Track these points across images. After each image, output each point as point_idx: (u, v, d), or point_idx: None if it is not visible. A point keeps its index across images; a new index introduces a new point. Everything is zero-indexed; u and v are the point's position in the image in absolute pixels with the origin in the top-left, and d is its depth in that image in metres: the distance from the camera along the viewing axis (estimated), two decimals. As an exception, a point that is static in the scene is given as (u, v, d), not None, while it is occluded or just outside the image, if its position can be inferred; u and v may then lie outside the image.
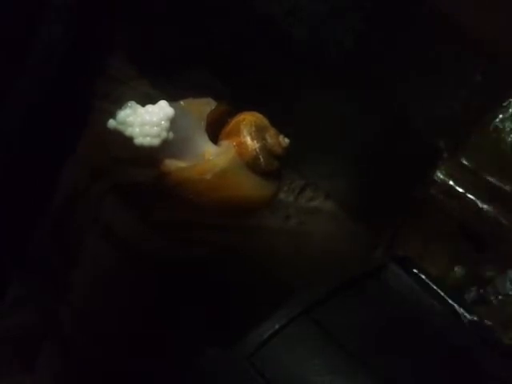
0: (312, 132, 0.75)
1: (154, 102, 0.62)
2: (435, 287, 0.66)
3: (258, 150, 0.64)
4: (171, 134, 0.61)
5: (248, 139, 0.64)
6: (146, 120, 0.60)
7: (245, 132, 0.64)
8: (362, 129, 0.74)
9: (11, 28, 0.50)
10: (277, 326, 0.59)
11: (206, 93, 0.68)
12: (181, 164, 0.62)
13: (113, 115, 0.61)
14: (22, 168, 0.53)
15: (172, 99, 0.63)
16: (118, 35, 0.72)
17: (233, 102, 0.68)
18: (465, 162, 0.68)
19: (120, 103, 0.61)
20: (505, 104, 0.68)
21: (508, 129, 0.67)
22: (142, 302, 0.74)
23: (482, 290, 0.66)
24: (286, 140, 0.65)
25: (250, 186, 0.64)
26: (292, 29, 0.76)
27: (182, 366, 0.70)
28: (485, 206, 0.66)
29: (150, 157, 0.62)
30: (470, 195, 0.66)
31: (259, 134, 0.64)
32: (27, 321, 0.85)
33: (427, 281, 0.66)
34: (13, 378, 0.85)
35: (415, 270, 0.66)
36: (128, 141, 0.61)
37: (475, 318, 0.65)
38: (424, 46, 0.72)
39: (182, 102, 0.64)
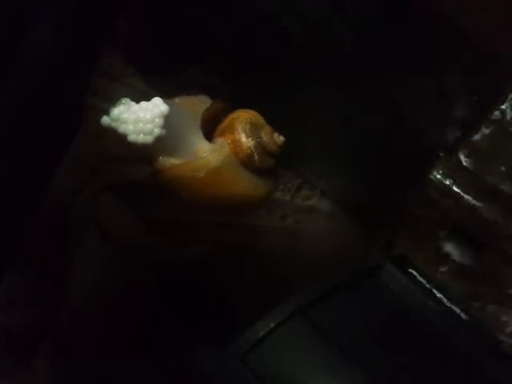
0: (309, 131, 0.75)
1: (149, 99, 0.62)
2: (431, 287, 0.65)
3: (252, 147, 0.64)
4: (165, 131, 0.61)
5: (242, 136, 0.64)
6: (139, 117, 0.60)
7: (239, 129, 0.64)
8: (359, 128, 0.74)
9: (2, 30, 0.50)
10: (272, 326, 0.59)
11: (203, 91, 0.68)
12: (175, 161, 0.62)
13: (107, 112, 0.61)
14: (13, 168, 0.53)
15: (167, 97, 0.63)
16: (114, 33, 0.72)
17: (231, 100, 0.68)
18: (462, 162, 0.67)
19: (115, 101, 0.61)
20: (504, 104, 0.68)
21: (506, 129, 0.67)
22: (139, 302, 0.74)
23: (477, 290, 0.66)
24: (281, 138, 0.65)
25: (245, 184, 0.64)
26: (292, 27, 0.76)
27: (176, 366, 0.70)
28: (481, 206, 0.65)
29: (144, 154, 0.62)
30: (466, 195, 0.66)
31: (254, 131, 0.64)
32: (26, 321, 0.85)
33: (423, 280, 0.66)
34: (12, 377, 0.85)
35: (411, 270, 0.66)
36: (122, 138, 0.61)
37: (471, 318, 0.65)
38: (424, 45, 0.71)
39: (176, 100, 0.64)
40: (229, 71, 0.77)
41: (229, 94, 0.69)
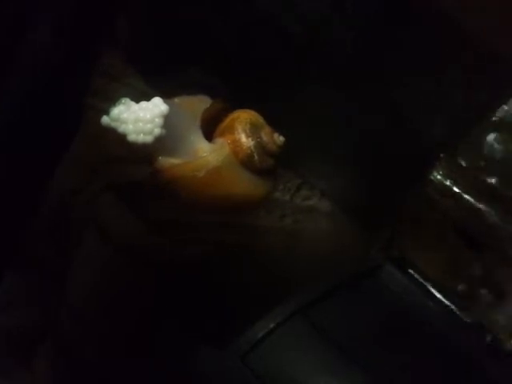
0: (309, 131, 0.75)
1: (149, 99, 0.62)
2: (431, 287, 0.65)
3: (252, 147, 0.64)
4: (164, 131, 0.61)
5: (242, 136, 0.64)
6: (139, 117, 0.60)
7: (239, 129, 0.64)
8: (359, 128, 0.74)
9: (2, 30, 0.50)
10: (272, 326, 0.59)
11: (203, 91, 0.68)
12: (174, 161, 0.62)
13: (107, 112, 0.61)
14: (13, 168, 0.53)
15: (167, 97, 0.63)
16: (114, 33, 0.72)
17: (231, 100, 0.67)
18: (462, 162, 0.67)
19: (115, 101, 0.61)
20: (504, 105, 0.68)
21: (506, 129, 0.67)
22: (139, 302, 0.74)
23: (477, 290, 0.66)
24: (281, 138, 0.65)
25: (244, 184, 0.64)
26: (292, 27, 0.76)
27: (176, 366, 0.70)
28: (481, 207, 0.65)
29: (144, 154, 0.62)
30: (466, 195, 0.66)
31: (254, 131, 0.64)
32: (26, 321, 0.85)
33: (423, 281, 0.66)
34: (12, 377, 0.85)
35: (411, 270, 0.66)
36: (122, 138, 0.61)
37: (471, 318, 0.64)
38: (424, 45, 0.71)
39: (176, 99, 0.65)
40: (229, 71, 0.77)
41: (229, 94, 0.69)
